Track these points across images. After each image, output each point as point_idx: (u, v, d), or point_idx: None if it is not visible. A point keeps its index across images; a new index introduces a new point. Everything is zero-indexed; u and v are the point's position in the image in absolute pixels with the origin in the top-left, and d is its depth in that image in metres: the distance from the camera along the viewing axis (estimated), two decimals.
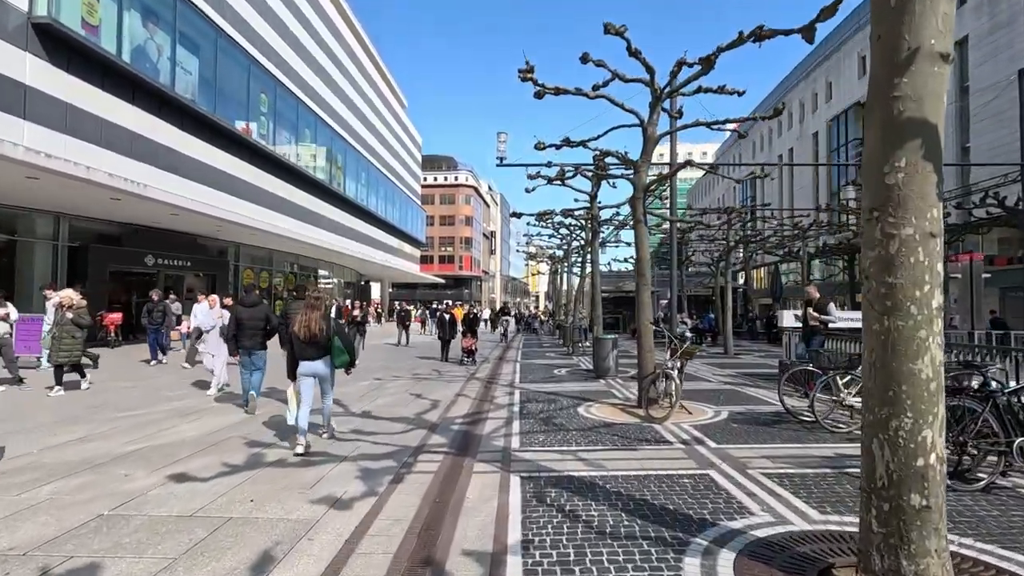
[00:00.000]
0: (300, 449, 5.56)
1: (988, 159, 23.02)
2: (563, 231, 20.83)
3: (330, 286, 36.60)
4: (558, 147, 8.95)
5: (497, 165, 15.32)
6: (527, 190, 13.67)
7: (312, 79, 28.80)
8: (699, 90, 8.29)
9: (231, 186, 20.62)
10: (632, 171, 8.07)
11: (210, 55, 19.69)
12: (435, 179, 79.73)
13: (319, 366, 5.86)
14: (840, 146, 37.70)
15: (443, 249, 79.42)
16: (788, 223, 24.12)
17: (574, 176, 10.35)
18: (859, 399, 6.66)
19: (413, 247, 51.27)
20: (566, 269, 27.88)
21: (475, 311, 13.93)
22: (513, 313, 46.28)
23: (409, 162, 52.86)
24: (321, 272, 35.49)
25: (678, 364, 7.85)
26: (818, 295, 9.51)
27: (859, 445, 5.79)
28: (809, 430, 6.65)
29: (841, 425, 6.76)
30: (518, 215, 15.24)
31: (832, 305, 9.29)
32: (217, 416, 7.43)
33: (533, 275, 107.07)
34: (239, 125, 21.09)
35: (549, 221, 18.76)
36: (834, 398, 6.88)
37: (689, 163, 7.76)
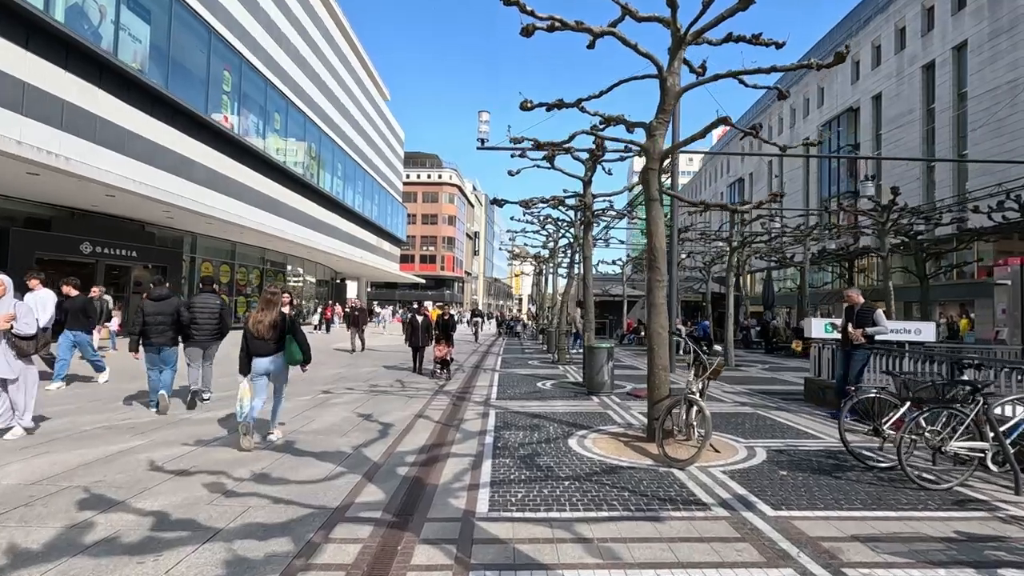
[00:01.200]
0: (247, 444, 5.45)
1: (985, 167, 21.86)
2: (549, 227, 19.01)
3: (300, 283, 34.46)
4: (549, 108, 7.13)
5: (478, 148, 13.51)
6: (510, 172, 11.86)
7: (283, 59, 26.66)
8: (729, 37, 6.55)
9: (185, 170, 18.43)
10: (646, 134, 6.25)
11: (163, 23, 17.55)
12: (418, 176, 77.74)
13: (272, 363, 5.84)
14: (833, 152, 36.76)
15: (425, 248, 77.33)
16: (790, 225, 22.70)
17: (568, 142, 8.49)
18: (967, 444, 4.92)
19: (393, 245, 49.13)
20: (551, 270, 26.12)
21: (451, 313, 12.05)
22: (495, 316, 44.87)
23: (391, 157, 50.79)
24: (293, 268, 33.31)
25: (700, 386, 6.05)
26: (862, 300, 7.77)
27: (981, 513, 3.88)
28: (887, 482, 4.86)
29: (927, 476, 4.98)
30: (500, 203, 13.41)
31: (880, 312, 7.54)
32: (81, 445, 5.44)
33: (516, 276, 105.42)
34: (197, 103, 18.95)
35: (536, 214, 16.94)
36: (912, 436, 5.13)
37: (722, 120, 5.98)
